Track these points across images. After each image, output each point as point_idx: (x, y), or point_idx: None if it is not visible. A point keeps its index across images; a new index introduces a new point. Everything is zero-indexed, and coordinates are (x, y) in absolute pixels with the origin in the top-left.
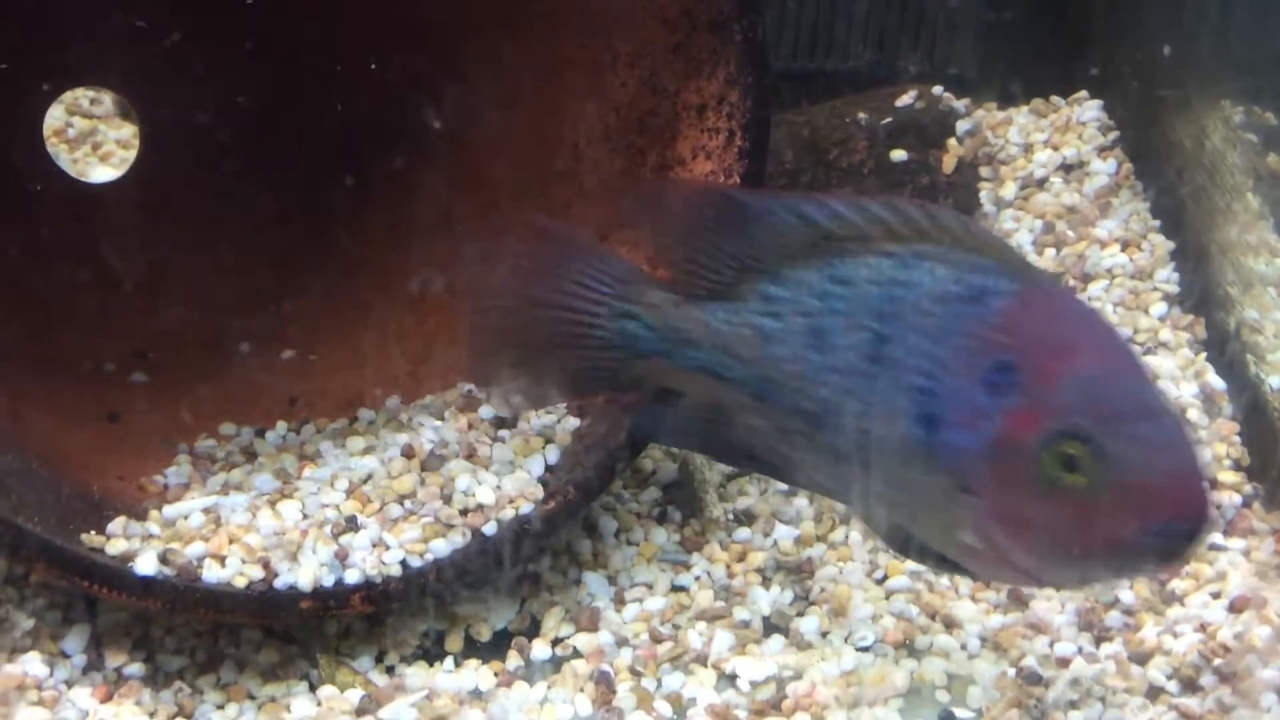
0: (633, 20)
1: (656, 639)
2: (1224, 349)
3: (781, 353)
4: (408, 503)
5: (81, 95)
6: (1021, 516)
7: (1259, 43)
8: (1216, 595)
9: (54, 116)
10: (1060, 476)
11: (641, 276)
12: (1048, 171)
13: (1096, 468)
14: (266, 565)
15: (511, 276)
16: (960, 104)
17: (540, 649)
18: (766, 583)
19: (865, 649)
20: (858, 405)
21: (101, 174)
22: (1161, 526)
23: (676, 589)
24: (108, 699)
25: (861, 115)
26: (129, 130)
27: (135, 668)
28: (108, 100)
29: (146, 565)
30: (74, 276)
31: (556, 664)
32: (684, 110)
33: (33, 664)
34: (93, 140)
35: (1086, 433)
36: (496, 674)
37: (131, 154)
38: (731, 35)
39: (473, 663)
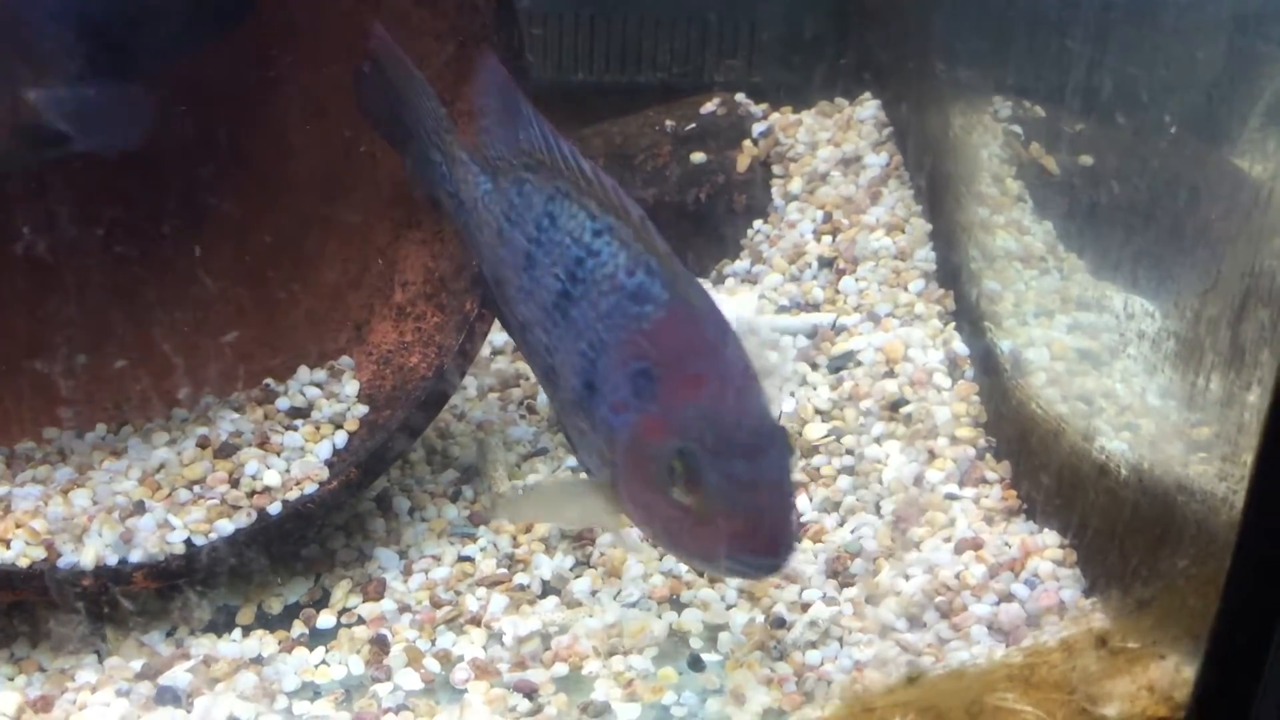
0: (409, 36)
1: (436, 604)
2: (969, 318)
3: (507, 259)
4: (196, 488)
5: None
6: (645, 503)
7: (1032, 41)
8: (947, 540)
9: None
10: (671, 485)
11: (451, 126)
12: (829, 166)
13: (698, 491)
14: (50, 547)
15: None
16: (758, 109)
17: (326, 618)
18: (550, 551)
19: (631, 605)
20: (547, 340)
21: None
22: (743, 558)
23: (463, 559)
24: None
25: (668, 122)
26: None
27: None
28: None
29: None
30: None
31: (338, 631)
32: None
33: None
34: None
35: (695, 459)
36: (280, 642)
37: None
38: (494, 46)
39: (259, 633)
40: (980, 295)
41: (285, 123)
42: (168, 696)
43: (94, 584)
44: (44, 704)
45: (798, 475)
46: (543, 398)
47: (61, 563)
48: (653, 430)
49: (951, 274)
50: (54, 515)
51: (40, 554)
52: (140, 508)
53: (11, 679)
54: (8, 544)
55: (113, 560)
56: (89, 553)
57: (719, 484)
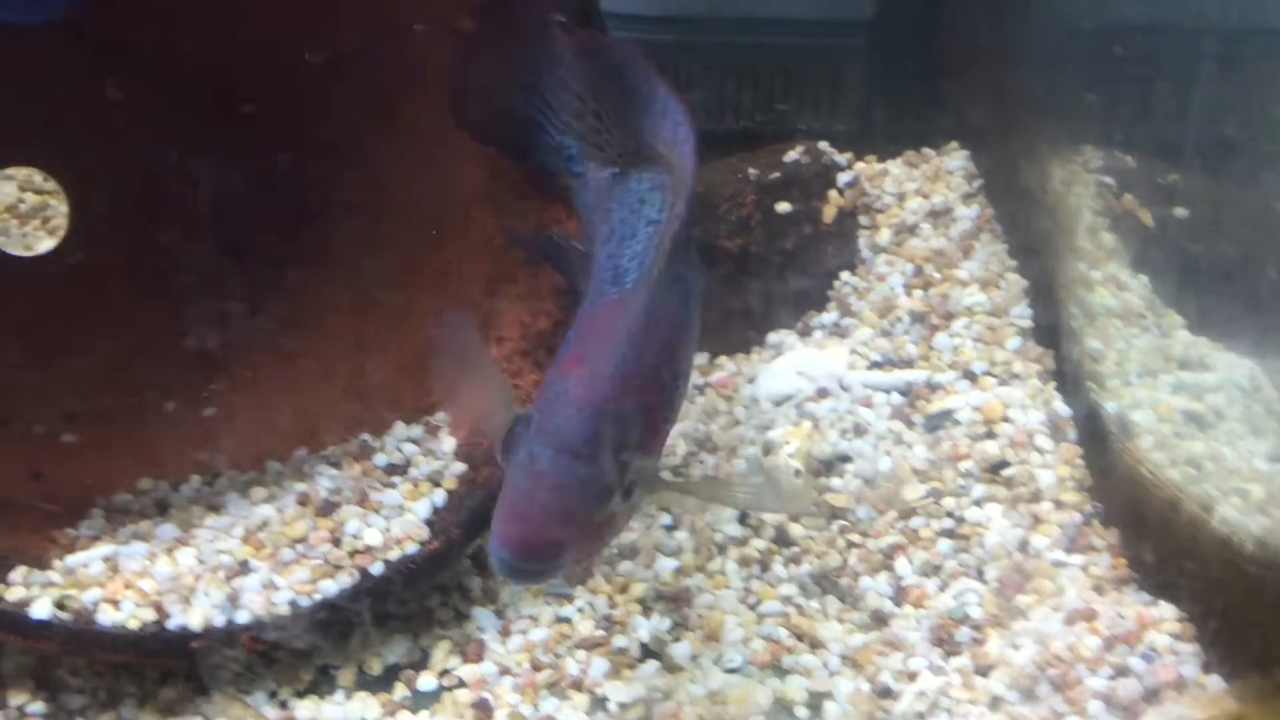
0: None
1: (537, 667)
2: (1069, 378)
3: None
4: (299, 546)
5: (34, 172)
6: None
7: (1119, 92)
8: (1056, 609)
9: (4, 193)
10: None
11: (585, 112)
12: (918, 218)
13: (506, 460)
14: (159, 608)
15: (501, 54)
16: (842, 158)
17: (426, 680)
18: (647, 611)
19: (733, 670)
20: None
21: (48, 246)
22: (495, 549)
23: (560, 620)
24: None
25: (751, 170)
26: None
27: (37, 706)
28: None
29: (41, 610)
30: (4, 346)
31: (440, 694)
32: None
33: None
34: (43, 214)
35: (514, 429)
36: (383, 704)
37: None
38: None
39: (361, 695)
40: (1082, 354)
41: (380, 176)
42: None
43: (203, 646)
44: None
45: (895, 538)
46: None
47: (170, 624)
48: (537, 395)
49: (1050, 331)
50: (161, 575)
51: (150, 615)
52: (245, 567)
53: None
54: (117, 604)
55: (220, 621)
56: (197, 614)
57: (515, 461)
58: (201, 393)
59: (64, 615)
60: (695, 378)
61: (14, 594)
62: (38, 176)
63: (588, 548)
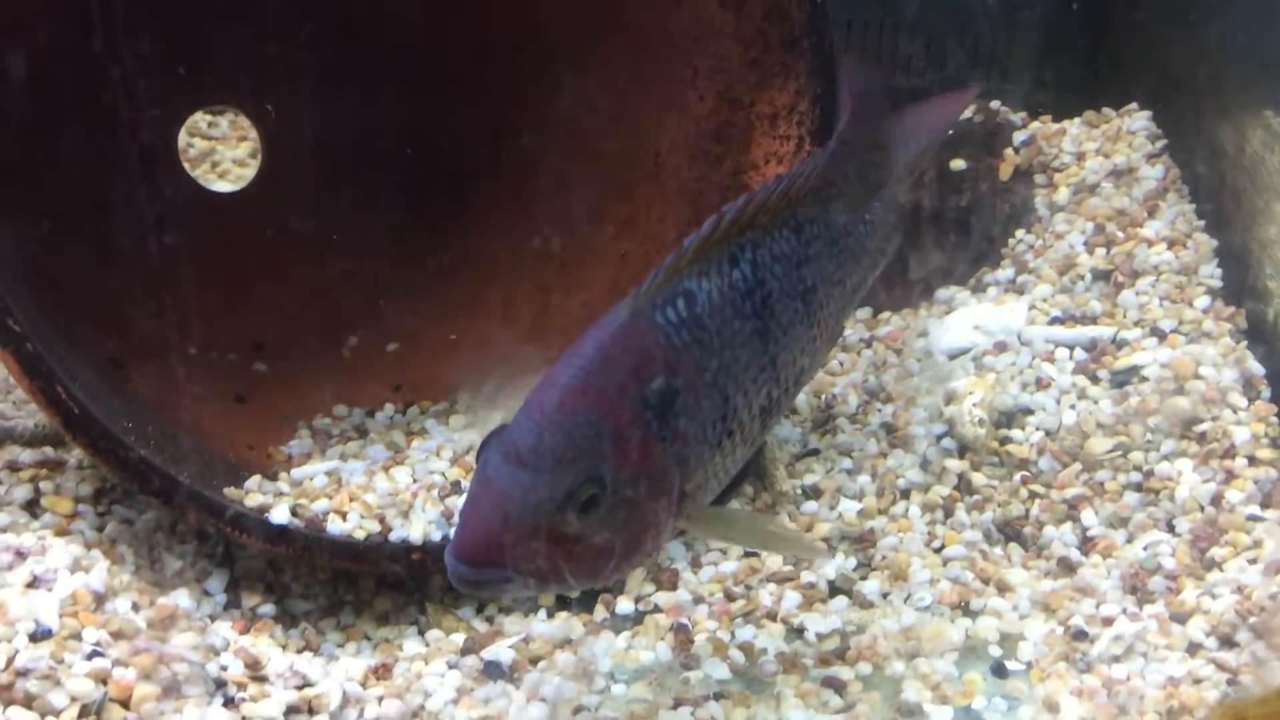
0: (710, 39)
1: (730, 597)
2: (1263, 338)
3: None
4: None
5: (200, 118)
6: None
7: None
8: (1253, 561)
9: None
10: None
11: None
12: (1099, 177)
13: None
14: (383, 520)
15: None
16: (1017, 117)
17: (624, 605)
18: (832, 551)
19: (923, 609)
20: None
21: (220, 188)
22: (449, 555)
23: (748, 555)
24: (245, 632)
25: None
26: (244, 149)
27: (268, 608)
28: (224, 123)
29: (280, 516)
30: (203, 277)
31: (639, 617)
32: (757, 120)
33: (182, 598)
34: (211, 159)
35: (487, 438)
36: (585, 624)
37: (247, 171)
38: (802, 50)
39: (563, 615)
40: (1277, 315)
41: (570, 123)
42: (495, 671)
43: (422, 558)
44: (385, 672)
45: (1080, 490)
46: (802, 398)
47: (393, 536)
48: None
49: (1242, 292)
50: (381, 490)
51: (375, 526)
52: (456, 488)
53: (341, 645)
54: (344, 515)
55: (436, 536)
56: (416, 528)
57: (477, 468)
58: (387, 328)
59: (298, 522)
60: (861, 331)
61: (252, 500)
62: (203, 123)
63: (546, 562)
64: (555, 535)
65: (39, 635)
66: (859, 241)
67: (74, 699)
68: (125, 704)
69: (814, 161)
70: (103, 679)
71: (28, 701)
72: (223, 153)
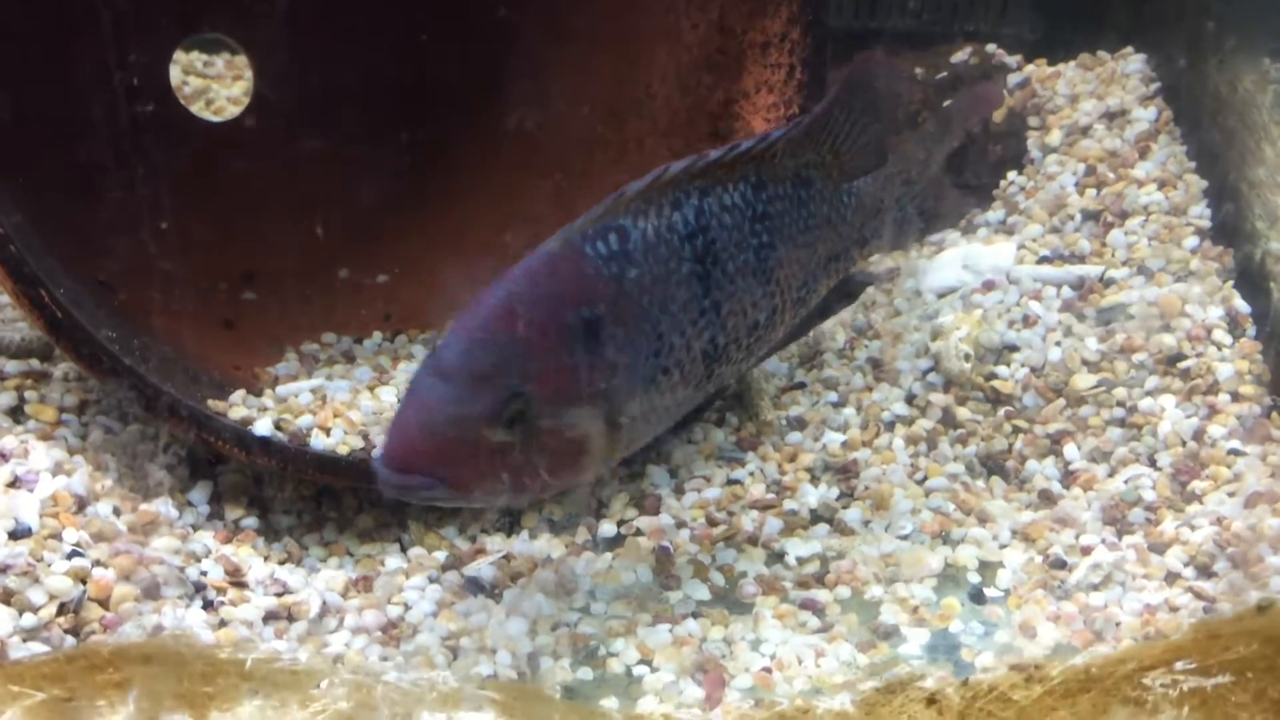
0: None
1: (712, 522)
2: (1249, 277)
3: None
4: None
5: (196, 57)
6: None
7: None
8: (1233, 494)
9: (171, 75)
10: None
11: None
12: (1092, 119)
13: None
14: (365, 437)
15: None
16: (1012, 60)
17: (607, 527)
18: (815, 481)
19: (904, 537)
20: None
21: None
22: (376, 462)
23: (731, 482)
24: (227, 541)
25: (918, 70)
26: (239, 88)
27: (251, 520)
28: (219, 62)
29: (263, 428)
30: (194, 205)
31: (621, 540)
32: (749, 48)
33: (165, 506)
34: (206, 97)
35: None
36: (567, 545)
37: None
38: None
39: (546, 535)
40: (1265, 254)
41: (572, 67)
42: (476, 586)
43: None
44: (365, 585)
45: (1063, 425)
46: None
47: (376, 453)
48: None
49: (1230, 232)
50: (366, 408)
51: (358, 443)
52: None
53: (324, 560)
54: (328, 431)
55: None
56: None
57: (410, 383)
58: (378, 259)
59: (281, 435)
60: None
61: (236, 413)
62: (199, 61)
63: (468, 472)
64: (476, 448)
65: (19, 533)
66: (836, 211)
67: (52, 596)
68: (104, 603)
69: (788, 129)
70: (82, 578)
71: (6, 597)
72: (218, 90)
